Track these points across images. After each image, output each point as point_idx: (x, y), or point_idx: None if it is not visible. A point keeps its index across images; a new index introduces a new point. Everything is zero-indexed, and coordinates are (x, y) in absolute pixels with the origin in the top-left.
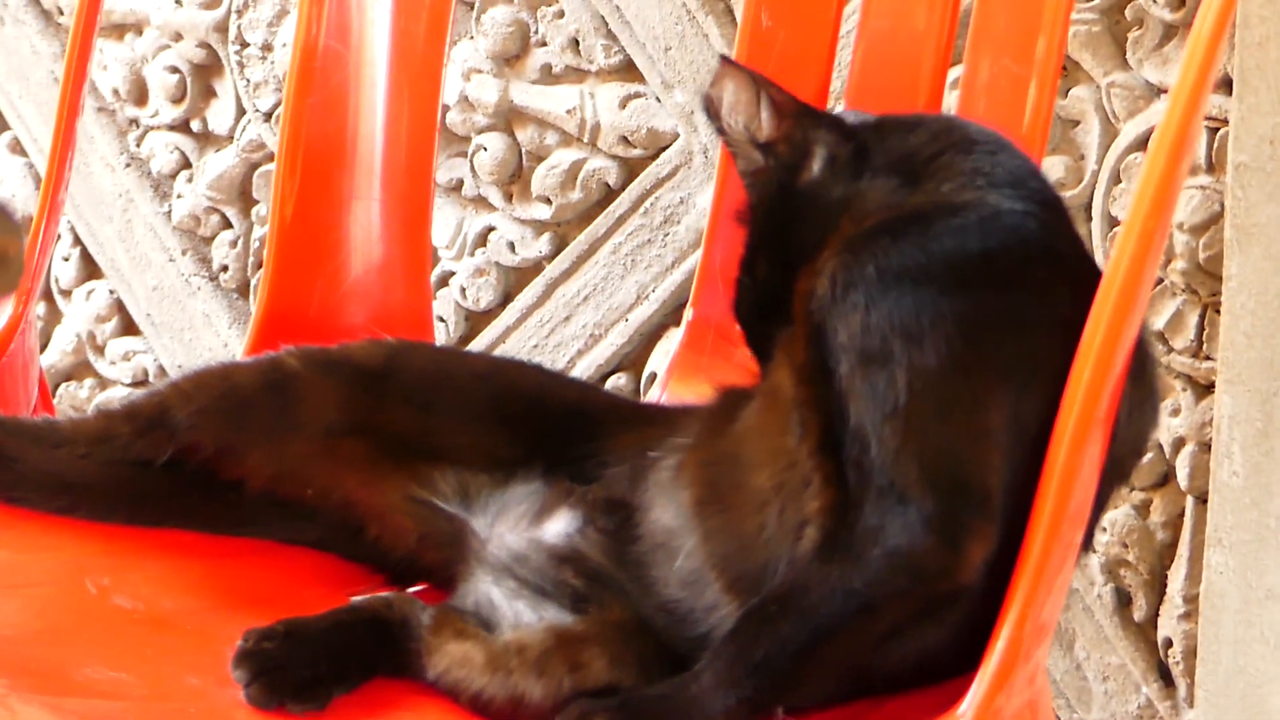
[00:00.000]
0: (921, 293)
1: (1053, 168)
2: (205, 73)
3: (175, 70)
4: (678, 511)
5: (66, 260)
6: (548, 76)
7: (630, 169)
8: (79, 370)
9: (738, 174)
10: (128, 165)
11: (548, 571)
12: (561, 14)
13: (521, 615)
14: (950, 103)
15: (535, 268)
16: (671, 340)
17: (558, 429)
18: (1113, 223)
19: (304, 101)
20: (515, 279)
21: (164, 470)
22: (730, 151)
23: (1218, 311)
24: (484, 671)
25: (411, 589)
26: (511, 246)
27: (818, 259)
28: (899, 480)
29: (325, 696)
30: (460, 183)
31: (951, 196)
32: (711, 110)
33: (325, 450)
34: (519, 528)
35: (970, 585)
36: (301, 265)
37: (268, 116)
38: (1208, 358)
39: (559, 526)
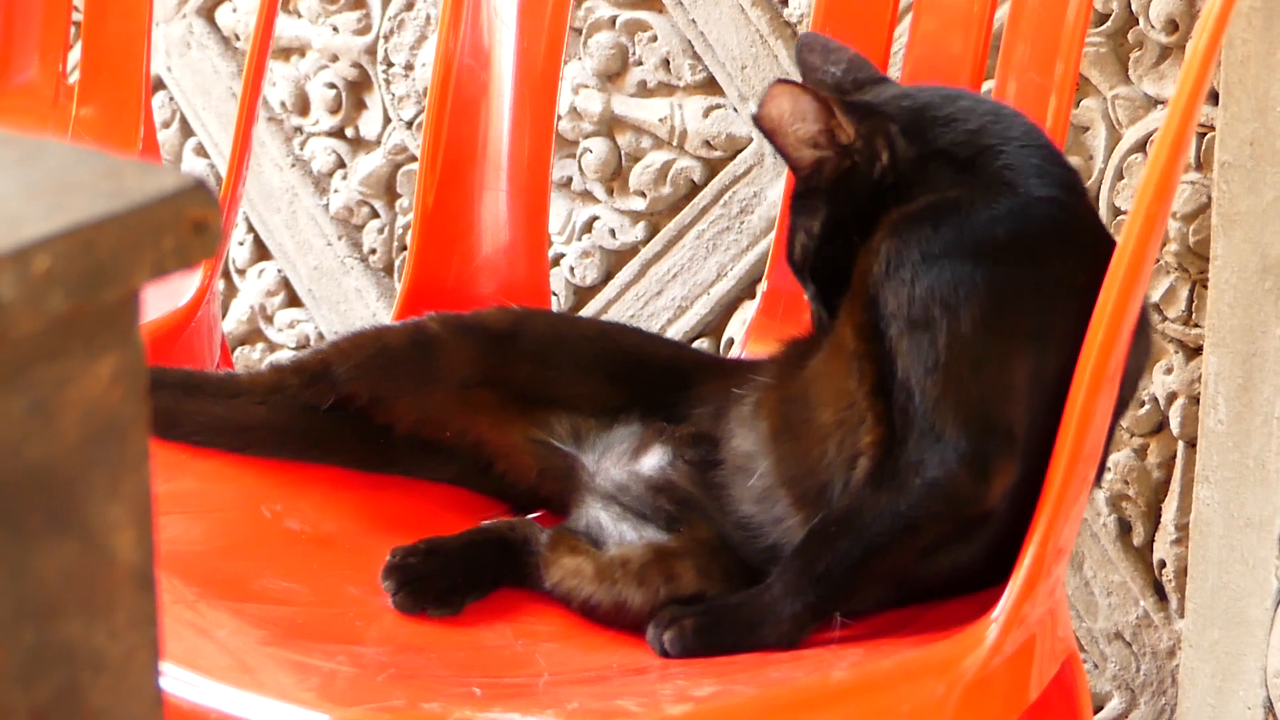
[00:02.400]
0: (958, 270)
1: None
2: (357, 88)
3: (332, 86)
4: (755, 439)
5: (242, 244)
6: (643, 91)
7: (712, 168)
8: (252, 336)
9: (798, 177)
10: (293, 165)
11: (645, 498)
12: (655, 38)
13: (625, 535)
14: None
15: (632, 250)
16: (746, 311)
17: (653, 380)
18: (1116, 212)
19: (443, 110)
20: (615, 260)
21: (326, 416)
22: (791, 158)
23: (1205, 286)
24: (593, 581)
25: (532, 515)
26: (612, 233)
27: (872, 241)
28: (938, 425)
29: (460, 603)
30: (570, 179)
31: (988, 184)
32: (768, 127)
33: (460, 400)
34: (621, 462)
35: (994, 511)
36: (441, 246)
37: (409, 125)
38: (1196, 325)
39: (654, 460)
